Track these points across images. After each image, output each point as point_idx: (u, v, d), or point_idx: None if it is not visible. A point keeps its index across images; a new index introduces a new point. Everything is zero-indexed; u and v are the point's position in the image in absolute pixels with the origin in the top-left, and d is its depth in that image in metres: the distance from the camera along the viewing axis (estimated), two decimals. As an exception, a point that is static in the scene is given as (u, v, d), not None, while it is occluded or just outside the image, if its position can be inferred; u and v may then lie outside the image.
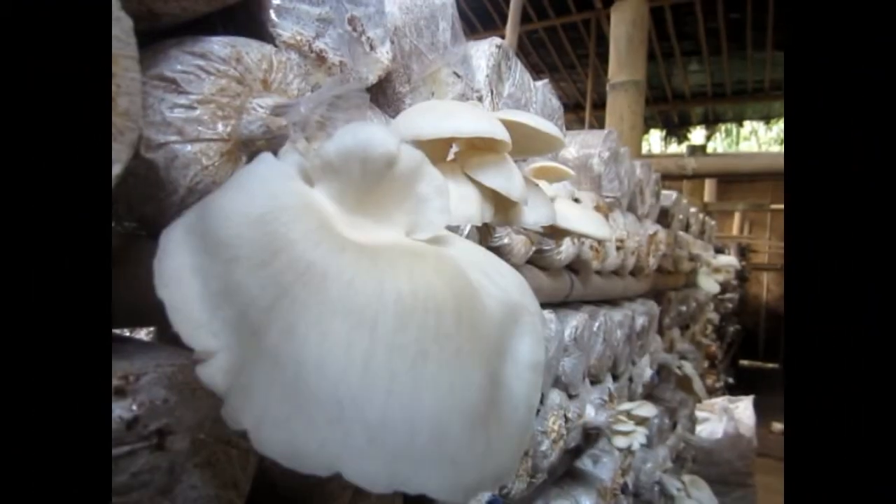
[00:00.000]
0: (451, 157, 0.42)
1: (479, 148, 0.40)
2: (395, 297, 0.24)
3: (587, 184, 0.96)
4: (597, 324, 0.98)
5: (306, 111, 0.29)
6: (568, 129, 1.01)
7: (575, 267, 0.92)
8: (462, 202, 0.36)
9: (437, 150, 0.40)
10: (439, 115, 0.35)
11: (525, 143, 0.44)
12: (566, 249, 0.81)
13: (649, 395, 1.59)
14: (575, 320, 0.89)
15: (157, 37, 0.32)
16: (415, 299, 0.24)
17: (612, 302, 1.19)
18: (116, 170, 0.25)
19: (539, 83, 0.75)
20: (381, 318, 0.24)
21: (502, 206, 0.40)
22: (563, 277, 0.89)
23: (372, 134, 0.28)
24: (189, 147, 0.30)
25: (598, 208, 0.90)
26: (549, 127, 0.40)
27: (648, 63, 5.01)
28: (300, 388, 0.22)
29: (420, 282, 0.25)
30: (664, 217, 1.49)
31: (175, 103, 0.30)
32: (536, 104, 0.72)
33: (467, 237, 0.55)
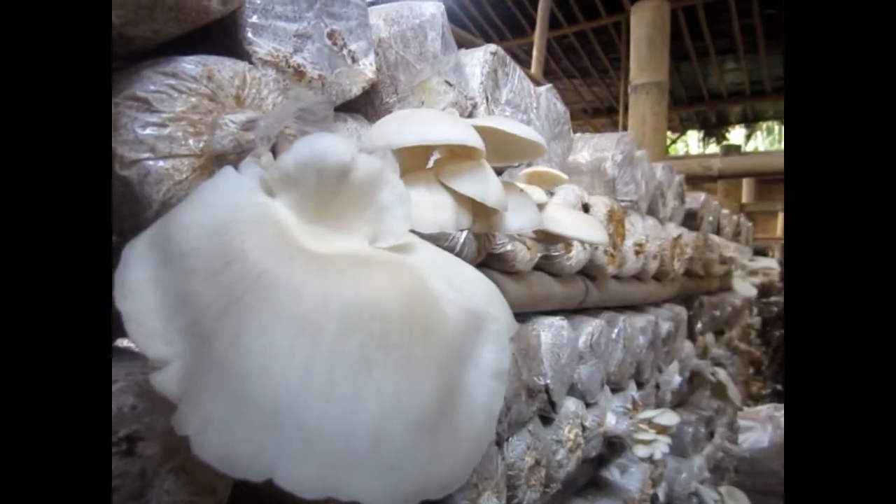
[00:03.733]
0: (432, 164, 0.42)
1: (459, 155, 0.40)
2: (341, 305, 0.25)
3: (601, 188, 0.94)
4: (616, 330, 0.96)
5: (265, 125, 0.30)
6: (601, 133, 1.00)
7: (590, 272, 0.91)
8: (435, 210, 0.36)
9: (415, 158, 0.40)
10: (409, 124, 0.35)
11: (507, 149, 0.44)
12: (577, 255, 0.79)
13: (682, 403, 1.55)
14: (590, 327, 0.88)
15: (135, 59, 0.34)
16: (360, 307, 0.25)
17: (635, 307, 1.16)
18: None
19: (542, 88, 0.74)
20: (324, 326, 0.24)
21: (482, 213, 0.40)
22: (577, 283, 0.87)
23: (327, 144, 0.28)
24: (161, 163, 0.32)
25: (612, 212, 0.88)
26: (526, 132, 0.39)
27: (682, 63, 4.92)
28: (242, 395, 0.22)
29: (367, 289, 0.25)
30: (692, 220, 1.45)
31: (147, 122, 0.32)
32: (539, 109, 0.72)
33: (464, 245, 0.56)
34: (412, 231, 0.35)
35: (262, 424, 0.22)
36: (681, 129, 6.42)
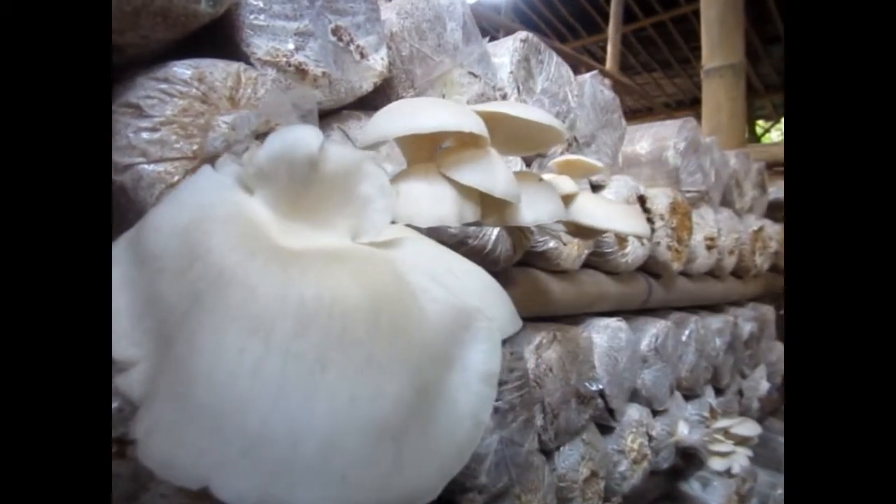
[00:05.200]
0: (442, 157, 0.40)
1: (468, 144, 0.38)
2: (298, 303, 0.23)
3: (663, 179, 0.88)
4: (686, 332, 0.89)
5: (241, 121, 0.29)
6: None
7: (653, 270, 0.85)
8: (435, 202, 0.34)
9: (421, 150, 0.38)
10: (403, 114, 0.34)
11: (528, 137, 0.41)
12: (633, 251, 0.74)
13: (775, 412, 1.42)
14: (654, 328, 0.81)
15: (134, 67, 0.34)
16: (319, 304, 0.23)
17: (712, 307, 1.08)
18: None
19: (587, 75, 0.70)
20: (279, 325, 0.23)
21: (494, 205, 0.37)
22: (638, 282, 0.82)
23: (296, 136, 0.27)
24: (153, 167, 0.32)
25: (675, 205, 0.82)
26: (537, 115, 0.36)
27: (773, 47, 4.57)
28: (188, 397, 0.21)
29: (328, 286, 0.24)
30: (778, 211, 1.32)
31: (139, 127, 0.32)
32: (583, 97, 0.68)
33: (497, 242, 0.53)
34: (411, 226, 0.33)
35: (205, 429, 0.21)
36: (775, 117, 5.97)
